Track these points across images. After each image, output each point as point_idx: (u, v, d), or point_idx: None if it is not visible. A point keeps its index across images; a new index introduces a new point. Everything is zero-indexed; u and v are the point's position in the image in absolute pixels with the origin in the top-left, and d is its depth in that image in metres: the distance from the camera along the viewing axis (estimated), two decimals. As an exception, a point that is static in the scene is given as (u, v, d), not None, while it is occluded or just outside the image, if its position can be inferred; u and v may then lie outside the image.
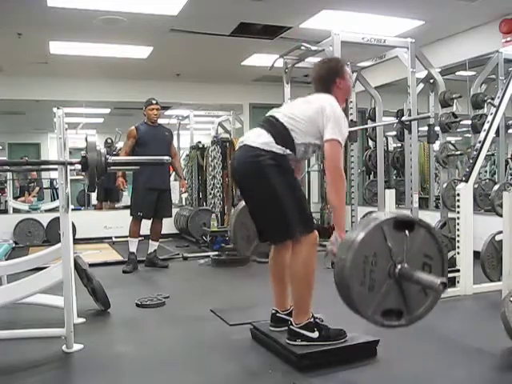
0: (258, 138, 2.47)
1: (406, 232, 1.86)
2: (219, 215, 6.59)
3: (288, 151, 2.45)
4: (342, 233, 2.38)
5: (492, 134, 3.91)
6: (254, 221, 2.68)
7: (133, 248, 5.03)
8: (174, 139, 5.68)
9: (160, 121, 5.24)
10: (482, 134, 3.93)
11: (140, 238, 5.13)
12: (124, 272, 4.87)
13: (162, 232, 5.30)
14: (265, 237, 2.69)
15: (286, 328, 2.52)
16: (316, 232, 2.49)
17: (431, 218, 5.25)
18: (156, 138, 4.99)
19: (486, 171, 5.63)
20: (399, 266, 1.82)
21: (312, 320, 2.47)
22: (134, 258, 5.02)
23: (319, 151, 2.61)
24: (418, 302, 1.87)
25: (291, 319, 2.51)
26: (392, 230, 1.84)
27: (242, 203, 3.14)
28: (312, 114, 2.48)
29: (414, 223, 1.89)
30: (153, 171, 4.88)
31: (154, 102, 5.08)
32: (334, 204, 2.46)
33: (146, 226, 5.15)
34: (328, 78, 2.62)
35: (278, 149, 2.43)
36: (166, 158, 3.07)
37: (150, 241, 5.20)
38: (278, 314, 2.70)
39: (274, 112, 2.61)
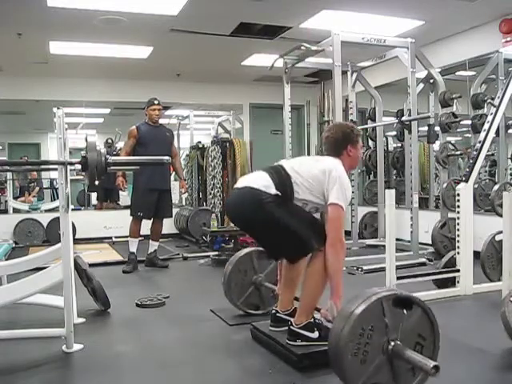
0: (258, 180, 2.49)
1: (404, 310, 1.86)
2: (219, 215, 6.58)
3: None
4: (338, 300, 2.36)
5: (492, 134, 3.92)
6: (265, 249, 2.76)
7: (133, 248, 5.03)
8: (174, 139, 5.67)
9: (160, 121, 5.24)
10: (482, 134, 3.93)
11: (140, 238, 5.13)
12: (124, 272, 4.87)
13: (162, 232, 5.30)
14: (276, 255, 2.74)
15: (286, 328, 2.52)
16: None
17: (431, 218, 5.28)
18: (157, 138, 4.99)
19: (485, 171, 5.61)
20: (393, 343, 1.81)
21: (312, 320, 2.48)
22: (134, 257, 5.02)
23: (316, 212, 2.60)
24: (405, 381, 1.86)
25: (291, 319, 2.51)
26: (391, 306, 1.84)
27: (243, 252, 3.18)
28: (318, 173, 2.48)
29: (412, 302, 1.88)
30: (153, 171, 4.88)
31: (156, 102, 5.07)
32: (333, 267, 2.37)
33: (146, 226, 5.15)
34: (341, 142, 2.62)
35: (275, 193, 2.44)
36: (166, 158, 3.06)
37: (150, 241, 5.21)
38: (278, 314, 2.70)
39: (283, 162, 2.62)
